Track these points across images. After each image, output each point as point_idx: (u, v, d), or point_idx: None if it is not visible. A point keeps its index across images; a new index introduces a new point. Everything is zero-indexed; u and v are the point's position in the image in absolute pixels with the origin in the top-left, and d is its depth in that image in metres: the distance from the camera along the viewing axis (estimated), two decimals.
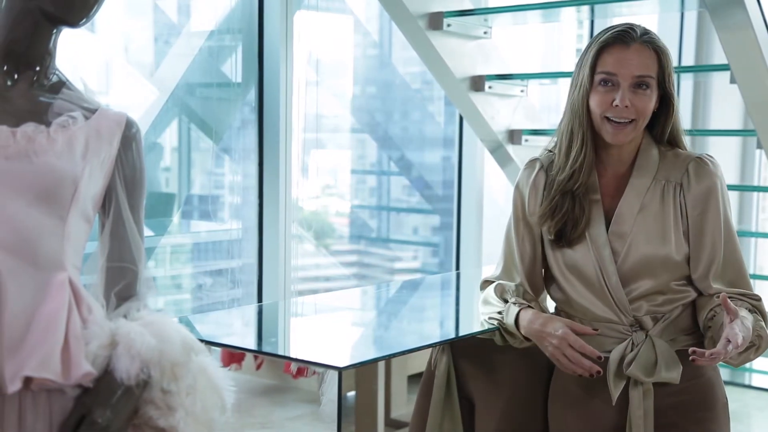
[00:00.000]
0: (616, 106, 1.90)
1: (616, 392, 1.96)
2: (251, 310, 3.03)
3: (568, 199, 2.00)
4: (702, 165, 1.98)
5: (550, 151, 2.08)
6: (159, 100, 3.61)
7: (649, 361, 1.94)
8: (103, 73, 3.58)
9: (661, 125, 2.01)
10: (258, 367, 4.01)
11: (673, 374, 1.94)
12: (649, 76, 1.92)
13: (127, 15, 3.56)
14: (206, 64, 3.85)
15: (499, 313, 2.09)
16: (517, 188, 2.12)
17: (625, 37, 1.92)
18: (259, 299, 3.84)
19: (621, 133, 1.93)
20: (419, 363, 3.92)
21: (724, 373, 2.85)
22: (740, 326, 1.78)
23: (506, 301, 2.09)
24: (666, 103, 1.98)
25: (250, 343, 2.31)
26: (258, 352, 2.10)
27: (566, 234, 2.01)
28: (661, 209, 1.98)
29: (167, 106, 3.68)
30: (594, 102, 1.94)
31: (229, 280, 3.93)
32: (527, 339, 2.05)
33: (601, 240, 1.98)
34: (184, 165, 3.97)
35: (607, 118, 1.93)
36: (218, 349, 2.22)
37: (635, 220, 1.97)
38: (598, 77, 1.93)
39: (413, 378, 4.07)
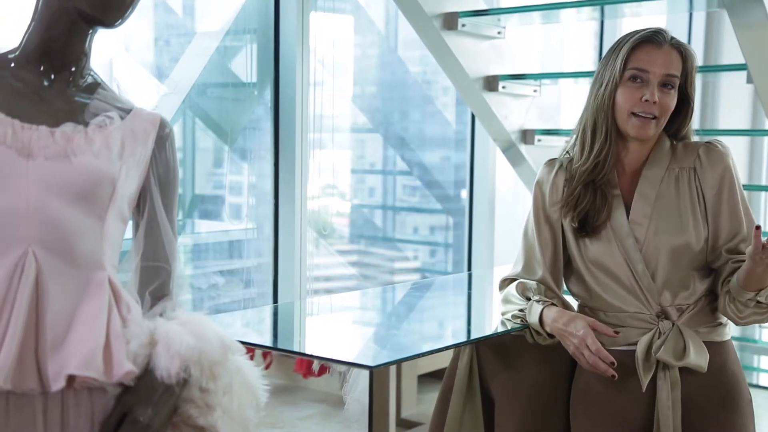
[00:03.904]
0: (646, 101, 1.96)
1: (645, 379, 1.99)
2: (269, 309, 3.03)
3: (590, 191, 2.05)
4: (712, 148, 2.04)
5: (566, 154, 2.14)
6: (174, 101, 3.61)
7: (678, 347, 1.98)
8: (106, 72, 3.58)
9: (677, 126, 2.08)
10: (267, 366, 4.01)
11: (701, 361, 1.97)
12: (676, 76, 1.99)
13: (135, 15, 3.55)
14: (221, 64, 3.85)
15: (521, 311, 2.11)
16: (538, 184, 2.16)
17: (657, 37, 1.99)
18: (275, 299, 3.84)
19: (646, 128, 1.99)
20: (429, 363, 3.94)
21: None
22: None
23: (528, 299, 2.11)
24: (685, 104, 2.05)
25: (275, 342, 2.31)
26: (288, 352, 2.10)
27: (589, 223, 2.05)
28: (676, 196, 2.03)
29: (182, 107, 3.68)
30: (622, 97, 2.00)
31: (243, 280, 3.93)
32: (551, 336, 2.07)
33: (623, 231, 2.02)
34: (199, 165, 3.97)
35: (634, 114, 1.98)
36: None
37: (653, 208, 2.02)
38: (628, 73, 1.99)
39: (423, 378, 4.08)
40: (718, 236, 2.02)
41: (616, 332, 2.01)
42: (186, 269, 3.88)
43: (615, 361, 1.96)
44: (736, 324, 2.02)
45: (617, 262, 2.03)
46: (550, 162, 2.16)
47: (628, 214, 2.04)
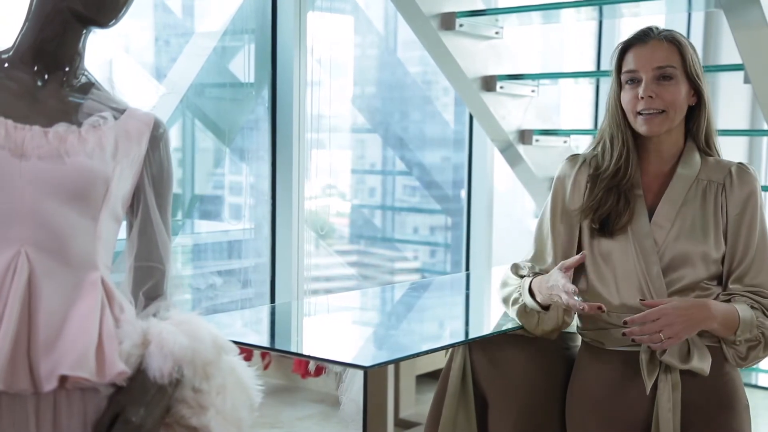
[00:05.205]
0: (641, 98, 1.98)
1: (650, 381, 1.98)
2: (266, 309, 3.03)
3: (613, 194, 2.05)
4: (744, 170, 2.05)
5: (593, 149, 2.14)
6: (171, 101, 3.61)
7: (682, 350, 1.97)
8: (105, 72, 3.57)
9: (695, 120, 2.06)
10: (266, 367, 4.01)
11: (704, 365, 1.97)
12: (670, 66, 1.99)
13: (128, 14, 3.55)
14: (218, 65, 3.85)
15: (518, 291, 2.12)
16: (559, 179, 2.15)
17: (643, 36, 2.02)
18: (272, 299, 3.84)
19: (652, 123, 1.99)
20: (428, 363, 3.93)
21: None
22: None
23: (521, 277, 2.13)
24: (699, 96, 2.04)
25: (271, 342, 2.31)
26: (283, 352, 2.10)
27: (609, 225, 2.05)
28: (702, 207, 2.03)
29: (180, 107, 3.68)
30: (624, 100, 2.03)
31: (240, 280, 3.93)
32: (545, 308, 2.07)
33: (644, 231, 2.02)
34: (197, 166, 3.98)
35: (639, 113, 2.00)
36: None
37: (678, 213, 2.02)
38: (624, 77, 2.03)
39: (421, 378, 4.08)
40: (729, 259, 2.02)
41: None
42: (185, 269, 3.89)
43: (576, 290, 1.96)
44: (742, 367, 2.02)
45: (630, 261, 2.02)
46: (573, 157, 2.15)
47: (650, 215, 2.04)
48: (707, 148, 2.08)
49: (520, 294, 2.11)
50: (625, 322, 1.91)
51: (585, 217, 2.09)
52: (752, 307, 1.97)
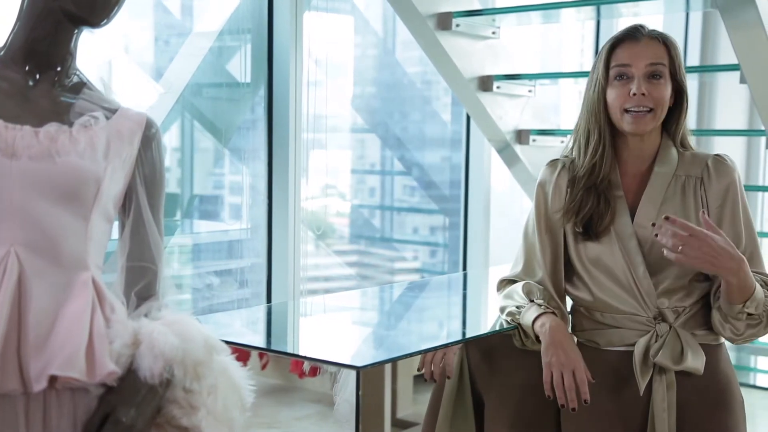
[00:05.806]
0: (634, 95, 1.97)
1: (643, 382, 1.98)
2: (262, 309, 3.03)
3: (593, 195, 2.04)
4: (721, 161, 2.05)
5: (566, 156, 2.14)
6: (168, 101, 3.61)
7: (675, 350, 1.97)
8: (105, 73, 3.56)
9: (675, 120, 2.07)
10: (263, 367, 4.00)
11: (698, 364, 1.97)
12: (661, 64, 2.00)
13: (128, 15, 3.56)
14: (215, 64, 3.85)
15: (518, 307, 2.09)
16: (540, 186, 2.15)
17: (635, 32, 2.02)
18: (268, 299, 3.84)
19: (641, 122, 1.99)
20: None
21: None
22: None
23: (531, 301, 2.09)
24: (680, 97, 2.05)
25: (265, 342, 2.31)
26: (276, 352, 2.10)
27: (592, 228, 2.04)
28: (682, 203, 2.03)
29: (176, 107, 3.68)
30: (612, 96, 2.01)
31: (237, 280, 3.93)
32: (538, 340, 2.05)
33: (627, 232, 2.02)
34: (193, 165, 3.97)
35: (627, 110, 1.99)
36: None
37: (659, 212, 2.01)
38: (613, 72, 2.01)
39: (419, 378, 4.07)
40: None
41: (592, 379, 1.98)
42: (184, 269, 3.88)
43: (588, 400, 1.95)
44: (735, 342, 2.00)
45: (617, 263, 2.02)
46: (552, 163, 2.15)
47: (631, 217, 2.03)
48: (682, 146, 2.09)
49: (520, 312, 2.09)
50: (666, 218, 1.87)
51: (568, 220, 2.08)
52: (762, 285, 1.96)
